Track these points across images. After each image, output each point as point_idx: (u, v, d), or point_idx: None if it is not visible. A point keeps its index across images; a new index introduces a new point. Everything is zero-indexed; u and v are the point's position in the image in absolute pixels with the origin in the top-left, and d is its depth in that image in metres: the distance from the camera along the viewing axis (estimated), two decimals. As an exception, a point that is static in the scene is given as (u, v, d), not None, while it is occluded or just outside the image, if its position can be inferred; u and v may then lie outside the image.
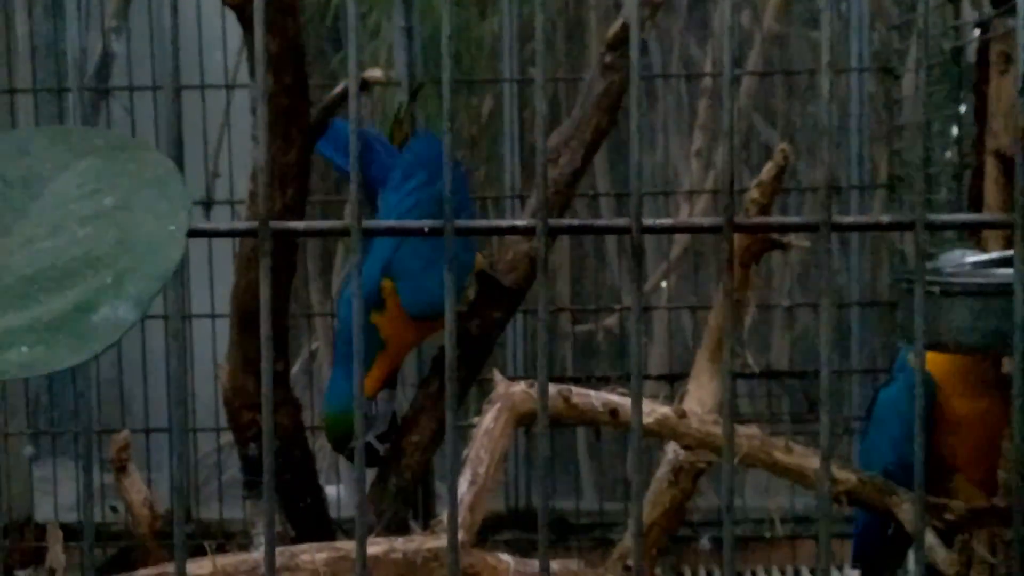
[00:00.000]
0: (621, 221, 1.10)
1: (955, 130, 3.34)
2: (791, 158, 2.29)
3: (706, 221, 1.08)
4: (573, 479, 4.01)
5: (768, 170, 2.28)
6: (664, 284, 4.15)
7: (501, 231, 1.21)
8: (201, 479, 3.89)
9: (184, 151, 3.76)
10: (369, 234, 1.04)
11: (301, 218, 2.91)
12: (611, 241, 4.29)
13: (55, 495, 3.70)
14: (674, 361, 3.77)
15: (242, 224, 1.02)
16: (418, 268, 2.64)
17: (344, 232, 1.01)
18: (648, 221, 1.07)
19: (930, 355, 2.43)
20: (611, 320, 3.98)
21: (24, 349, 0.64)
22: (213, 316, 3.47)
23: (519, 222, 1.14)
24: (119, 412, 3.62)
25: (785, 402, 3.93)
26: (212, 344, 3.41)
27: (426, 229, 1.08)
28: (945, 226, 1.27)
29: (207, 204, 3.71)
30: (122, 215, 0.71)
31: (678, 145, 4.27)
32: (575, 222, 1.24)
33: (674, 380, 3.55)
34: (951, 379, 2.51)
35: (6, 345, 0.64)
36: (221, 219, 3.68)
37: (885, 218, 1.18)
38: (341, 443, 2.67)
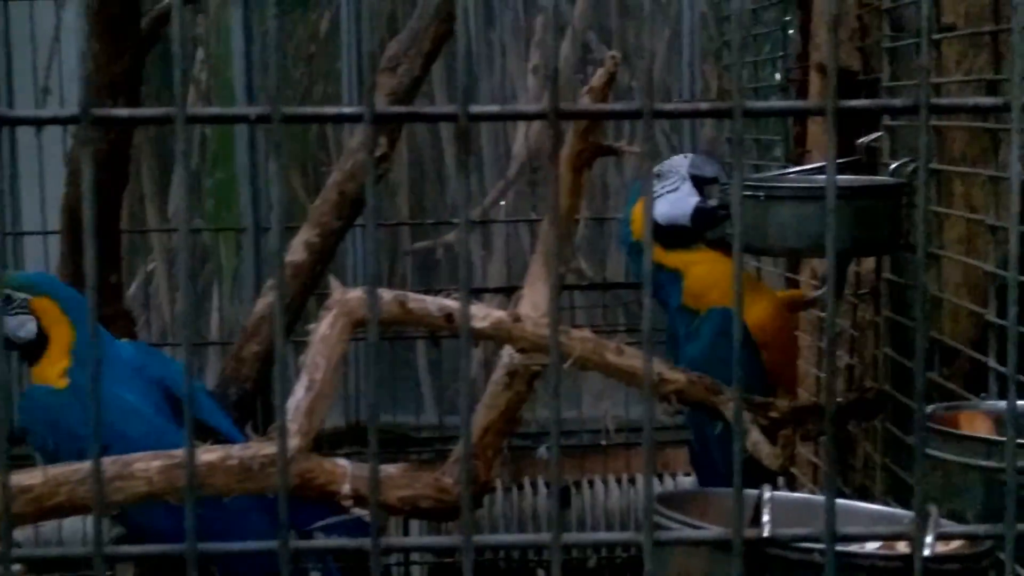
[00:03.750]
0: (449, 108, 1.11)
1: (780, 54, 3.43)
2: (619, 65, 2.33)
3: (531, 108, 1.10)
4: (413, 394, 4.04)
5: (599, 76, 2.31)
6: (503, 203, 4.19)
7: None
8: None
9: (13, 65, 3.67)
10: (193, 121, 1.02)
11: (131, 131, 2.86)
12: (451, 159, 4.30)
13: None
14: (512, 275, 3.81)
15: (64, 111, 1.00)
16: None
17: (167, 120, 1.00)
18: (476, 108, 1.08)
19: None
20: (451, 236, 4.01)
21: None
22: (45, 233, 3.40)
23: (346, 113, 1.14)
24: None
25: (621, 313, 4.00)
26: (44, 263, 3.34)
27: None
28: (763, 113, 1.32)
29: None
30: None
31: (515, 64, 4.30)
32: (403, 110, 1.25)
33: (511, 292, 3.59)
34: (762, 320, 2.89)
35: None
36: (53, 138, 3.58)
37: (704, 105, 1.21)
38: None
